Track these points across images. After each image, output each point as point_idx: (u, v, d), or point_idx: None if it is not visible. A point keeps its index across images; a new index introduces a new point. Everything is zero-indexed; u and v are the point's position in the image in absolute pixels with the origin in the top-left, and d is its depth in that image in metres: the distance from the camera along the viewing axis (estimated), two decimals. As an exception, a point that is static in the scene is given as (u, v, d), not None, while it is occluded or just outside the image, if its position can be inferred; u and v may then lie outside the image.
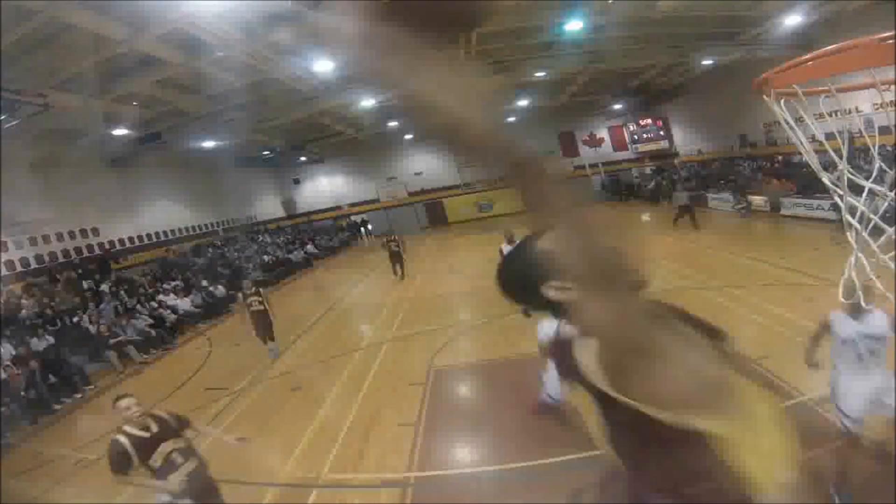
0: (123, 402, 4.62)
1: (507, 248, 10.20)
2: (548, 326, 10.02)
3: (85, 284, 18.08)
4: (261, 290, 11.83)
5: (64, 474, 7.91)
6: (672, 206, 22.65)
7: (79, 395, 11.83)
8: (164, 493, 4.46)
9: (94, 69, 14.43)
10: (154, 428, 4.60)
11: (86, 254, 20.81)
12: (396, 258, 19.09)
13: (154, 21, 12.58)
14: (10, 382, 10.99)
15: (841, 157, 4.18)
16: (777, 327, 8.75)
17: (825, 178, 4.33)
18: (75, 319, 14.72)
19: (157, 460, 4.47)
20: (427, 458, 6.52)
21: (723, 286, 11.71)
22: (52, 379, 11.76)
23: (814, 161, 4.16)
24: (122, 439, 4.42)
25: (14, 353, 11.99)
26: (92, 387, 12.40)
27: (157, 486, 4.46)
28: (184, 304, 18.08)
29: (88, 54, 13.60)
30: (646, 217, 28.00)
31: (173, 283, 19.61)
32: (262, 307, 11.29)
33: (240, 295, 12.18)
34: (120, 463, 4.39)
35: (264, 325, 11.48)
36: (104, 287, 17.97)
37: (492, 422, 7.16)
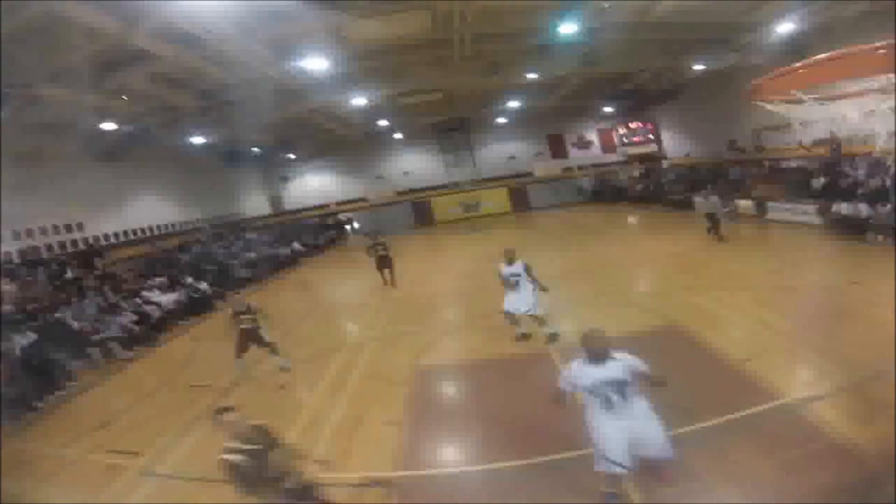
0: (231, 416, 4.49)
1: (506, 270, 9.72)
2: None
3: (68, 280, 17.84)
4: (251, 305, 10.90)
5: (48, 473, 7.83)
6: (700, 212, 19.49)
7: (62, 393, 11.67)
8: None
9: (84, 62, 14.30)
10: (260, 439, 4.49)
11: (70, 249, 20.57)
12: (385, 264, 17.26)
13: (146, 15, 12.48)
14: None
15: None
16: (762, 330, 8.85)
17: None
18: (58, 316, 14.53)
19: (271, 471, 4.37)
20: (412, 457, 6.51)
21: (709, 289, 11.79)
22: (35, 376, 11.59)
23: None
24: (236, 457, 4.27)
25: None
26: (74, 384, 12.28)
27: None
28: (167, 299, 17.95)
29: (79, 47, 13.47)
30: (632, 220, 28.16)
31: (158, 280, 19.40)
32: (251, 325, 10.61)
33: (229, 311, 10.99)
34: (247, 481, 4.26)
35: (254, 339, 10.65)
36: (87, 282, 17.75)
37: (477, 421, 7.16)
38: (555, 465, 5.74)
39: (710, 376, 7.27)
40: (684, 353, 8.33)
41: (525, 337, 10.14)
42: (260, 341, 10.61)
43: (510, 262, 9.83)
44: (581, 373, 4.68)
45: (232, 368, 10.78)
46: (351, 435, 7.31)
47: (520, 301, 9.79)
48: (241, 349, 10.61)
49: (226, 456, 4.29)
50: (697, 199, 21.06)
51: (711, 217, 17.54)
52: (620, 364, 4.60)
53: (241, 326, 10.55)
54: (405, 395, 8.41)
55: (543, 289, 9.80)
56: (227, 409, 4.54)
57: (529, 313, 9.84)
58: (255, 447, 4.37)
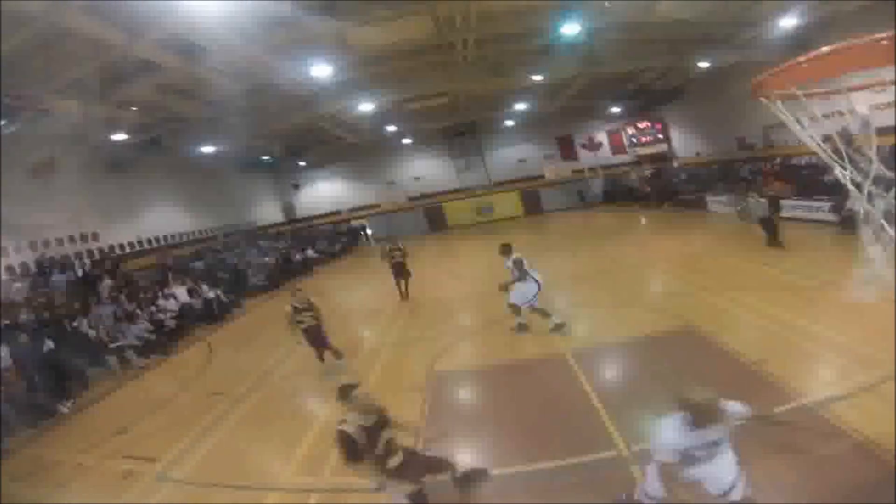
0: (361, 391, 4.95)
1: (508, 262, 10.33)
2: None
3: (85, 289, 18.01)
4: (313, 302, 10.48)
5: (65, 479, 7.90)
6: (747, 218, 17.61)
7: (78, 400, 11.78)
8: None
9: (92, 74, 14.48)
10: (375, 416, 4.81)
11: (86, 258, 20.77)
12: (400, 272, 16.12)
13: (152, 26, 12.60)
14: (10, 387, 10.96)
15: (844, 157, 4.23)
16: (777, 329, 8.76)
17: (840, 174, 4.40)
18: (75, 324, 14.67)
19: (380, 447, 4.70)
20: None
21: (722, 289, 11.70)
22: (52, 383, 11.71)
23: (827, 157, 4.20)
24: (350, 429, 4.63)
25: (14, 357, 11.93)
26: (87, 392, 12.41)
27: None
28: (181, 294, 18.24)
29: (87, 59, 13.65)
30: (644, 221, 28.04)
31: (174, 288, 19.51)
32: (314, 322, 10.30)
33: (288, 308, 10.32)
34: (352, 451, 4.60)
35: (319, 339, 10.41)
36: (103, 290, 17.90)
37: (492, 426, 7.16)
38: (571, 468, 5.73)
39: (727, 377, 7.21)
40: (700, 353, 8.29)
41: (522, 328, 10.67)
42: (322, 342, 10.35)
43: (507, 254, 10.44)
44: (685, 439, 3.89)
45: (245, 375, 10.87)
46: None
47: (518, 293, 10.30)
48: (318, 353, 10.48)
49: (342, 427, 4.67)
50: (751, 202, 16.64)
51: (767, 223, 15.37)
52: (727, 418, 3.94)
53: (303, 326, 10.19)
54: (421, 400, 8.41)
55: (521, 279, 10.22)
56: (354, 386, 4.95)
57: (528, 306, 10.36)
58: (371, 423, 4.72)
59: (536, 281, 10.26)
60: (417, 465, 5.03)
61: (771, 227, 15.28)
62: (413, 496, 4.83)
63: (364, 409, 4.81)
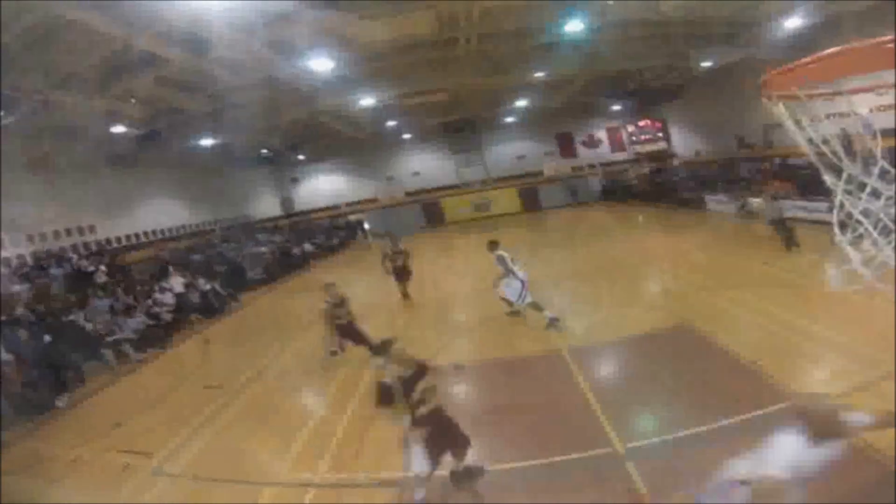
0: (396, 346, 5.52)
1: (500, 255, 10.48)
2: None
3: (81, 282, 17.96)
4: (346, 299, 10.38)
5: (61, 473, 7.87)
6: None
7: (74, 394, 11.73)
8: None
9: (93, 67, 14.42)
10: (412, 367, 5.29)
11: (83, 251, 20.73)
12: (402, 276, 15.30)
13: (153, 19, 12.54)
14: (9, 383, 10.91)
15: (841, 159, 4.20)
16: (775, 328, 8.76)
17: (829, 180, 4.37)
18: (71, 318, 14.61)
19: (414, 396, 5.12)
20: (424, 457, 6.49)
21: (721, 288, 11.70)
22: (49, 377, 11.66)
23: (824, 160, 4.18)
24: (388, 379, 5.19)
25: (11, 351, 11.87)
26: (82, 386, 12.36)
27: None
28: (177, 285, 18.27)
29: (87, 52, 13.58)
30: (642, 219, 28.02)
31: (170, 281, 19.47)
32: (350, 318, 10.27)
33: (325, 306, 10.15)
34: (386, 398, 5.14)
35: (354, 335, 10.28)
36: (99, 282, 17.85)
37: (490, 422, 7.14)
38: (567, 464, 5.73)
39: (725, 377, 7.20)
40: (698, 352, 8.28)
41: (514, 314, 11.23)
42: (357, 338, 10.19)
43: (493, 250, 10.76)
44: (803, 456, 3.40)
45: (242, 370, 10.84)
46: (362, 436, 7.30)
47: (509, 289, 10.72)
48: (341, 346, 10.42)
49: (380, 379, 5.29)
50: (762, 204, 16.62)
51: (782, 225, 14.71)
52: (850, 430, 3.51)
53: (338, 322, 10.14)
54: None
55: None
56: (391, 342, 5.58)
57: (518, 302, 10.76)
58: (408, 374, 5.20)
59: (520, 278, 10.47)
60: (442, 423, 5.29)
61: (786, 229, 14.62)
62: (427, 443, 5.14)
63: (401, 361, 5.34)
